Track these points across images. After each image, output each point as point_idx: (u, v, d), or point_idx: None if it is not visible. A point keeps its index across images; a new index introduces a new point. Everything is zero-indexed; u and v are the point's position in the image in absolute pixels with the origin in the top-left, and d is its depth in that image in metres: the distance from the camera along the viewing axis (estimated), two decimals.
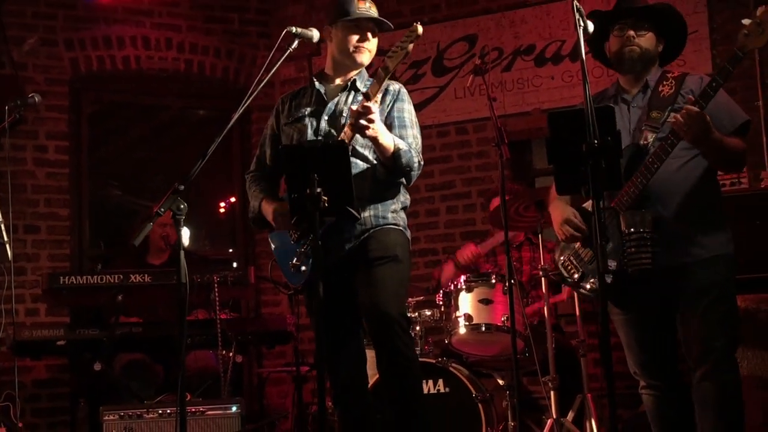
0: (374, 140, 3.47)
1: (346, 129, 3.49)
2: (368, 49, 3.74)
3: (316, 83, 3.80)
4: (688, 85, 3.43)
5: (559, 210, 3.56)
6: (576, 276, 3.53)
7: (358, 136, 3.48)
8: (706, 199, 3.39)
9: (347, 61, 3.75)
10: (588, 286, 3.48)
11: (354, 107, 3.47)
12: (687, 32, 3.63)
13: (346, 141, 3.45)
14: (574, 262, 3.54)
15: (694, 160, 3.36)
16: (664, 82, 3.47)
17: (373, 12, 3.74)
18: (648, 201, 3.29)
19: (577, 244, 3.54)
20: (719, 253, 3.35)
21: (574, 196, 3.54)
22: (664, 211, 3.30)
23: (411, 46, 3.45)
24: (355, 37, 3.69)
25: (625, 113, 3.48)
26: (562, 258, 3.59)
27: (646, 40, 3.48)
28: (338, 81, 3.80)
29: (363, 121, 3.36)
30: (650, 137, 3.36)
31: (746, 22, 3.15)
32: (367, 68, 3.86)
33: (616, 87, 3.60)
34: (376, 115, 3.42)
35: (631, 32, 3.46)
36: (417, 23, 3.44)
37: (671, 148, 3.26)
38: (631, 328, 3.46)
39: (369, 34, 3.72)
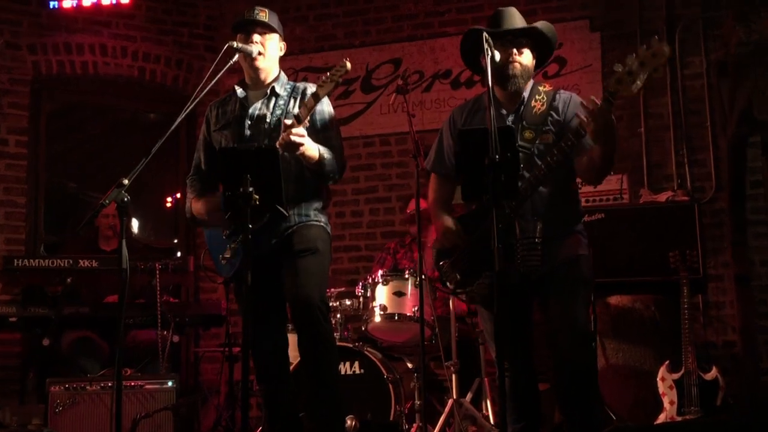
0: (302, 155, 3.39)
1: (278, 143, 3.35)
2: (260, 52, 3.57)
3: (238, 90, 3.67)
4: (557, 103, 3.32)
5: (442, 220, 3.43)
6: (451, 285, 3.39)
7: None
8: (573, 213, 3.38)
9: (250, 68, 3.62)
10: (461, 292, 3.38)
11: (288, 121, 3.35)
12: (554, 45, 3.44)
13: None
14: (454, 269, 3.38)
15: (559, 184, 3.28)
16: (537, 97, 3.34)
17: (261, 17, 3.59)
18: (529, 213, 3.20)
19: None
20: (582, 254, 3.32)
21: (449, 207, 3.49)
22: (544, 225, 3.17)
23: (340, 79, 3.34)
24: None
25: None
26: (441, 263, 3.45)
27: (525, 56, 3.34)
28: (258, 87, 3.67)
29: (294, 140, 3.29)
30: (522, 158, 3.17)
31: (618, 68, 2.93)
32: (287, 73, 3.74)
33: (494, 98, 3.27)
34: (305, 138, 3.34)
35: (513, 49, 3.30)
36: (346, 59, 3.36)
37: (553, 172, 3.15)
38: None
39: (255, 36, 3.58)
